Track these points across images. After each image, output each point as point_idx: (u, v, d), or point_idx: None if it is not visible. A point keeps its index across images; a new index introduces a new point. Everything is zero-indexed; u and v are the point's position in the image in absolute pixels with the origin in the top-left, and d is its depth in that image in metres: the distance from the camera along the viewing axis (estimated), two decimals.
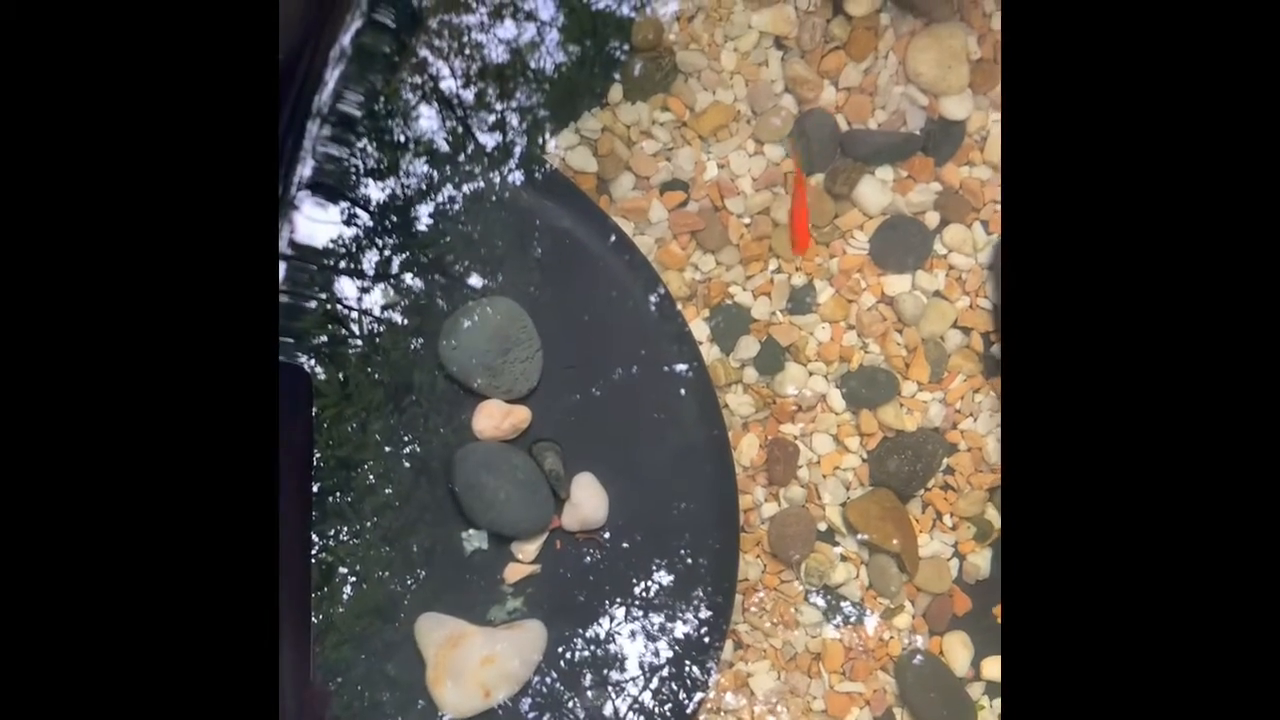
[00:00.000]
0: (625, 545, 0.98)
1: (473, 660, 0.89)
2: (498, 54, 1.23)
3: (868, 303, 1.30)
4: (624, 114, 1.29)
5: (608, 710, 0.94)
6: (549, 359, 1.01)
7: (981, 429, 1.29)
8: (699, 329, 1.29)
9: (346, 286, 1.13)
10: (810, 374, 1.29)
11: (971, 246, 1.31)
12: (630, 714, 0.94)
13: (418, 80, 1.19)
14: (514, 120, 1.23)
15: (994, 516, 1.28)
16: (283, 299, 1.04)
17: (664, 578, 0.98)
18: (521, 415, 0.97)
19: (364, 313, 1.09)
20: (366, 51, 1.10)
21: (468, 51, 1.18)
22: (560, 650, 0.96)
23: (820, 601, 1.26)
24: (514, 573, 0.94)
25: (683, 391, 1.01)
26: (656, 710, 0.94)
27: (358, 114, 1.12)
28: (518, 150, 1.23)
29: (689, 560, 0.98)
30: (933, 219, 1.31)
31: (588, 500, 0.95)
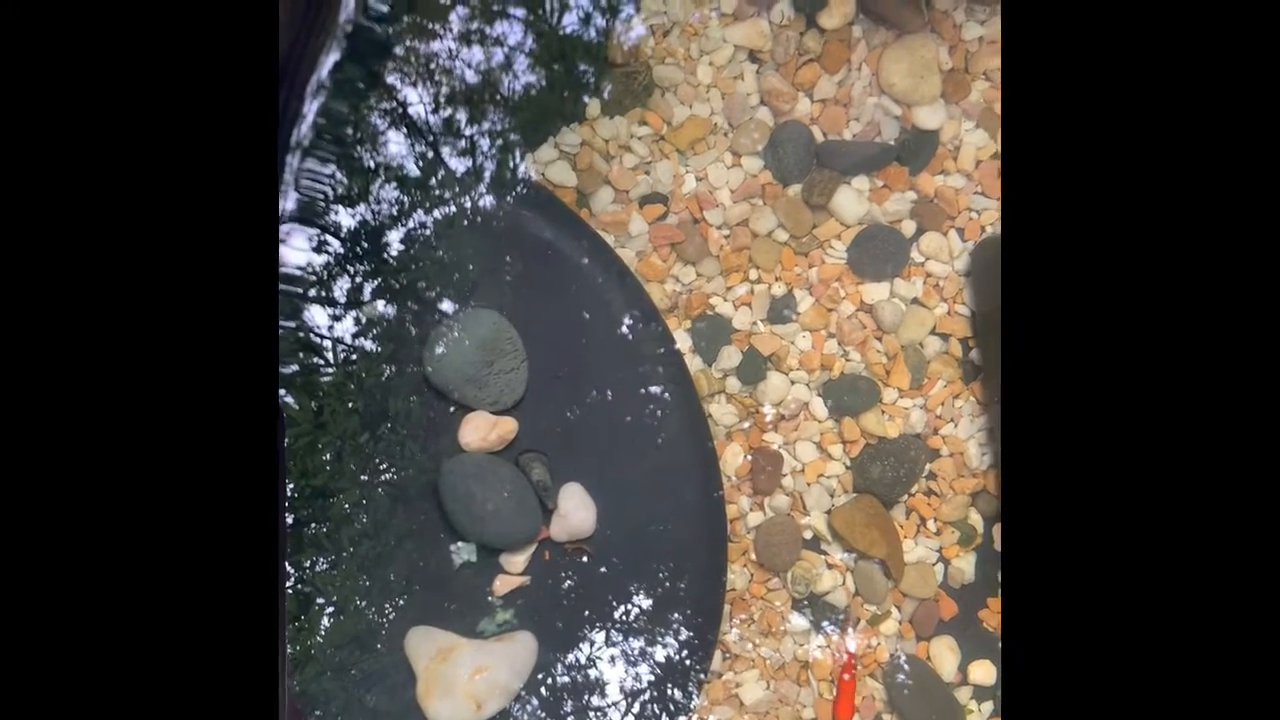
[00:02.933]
0: (614, 556, 0.98)
1: (463, 673, 0.88)
2: (470, 78, 1.23)
3: (847, 311, 1.31)
4: (602, 128, 1.30)
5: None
6: (534, 370, 1.00)
7: (962, 434, 1.30)
8: (681, 340, 1.30)
9: (318, 314, 1.12)
10: (792, 383, 1.30)
11: (948, 254, 1.32)
12: None
13: (387, 106, 1.19)
14: (484, 143, 1.23)
15: (977, 521, 1.29)
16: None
17: (652, 588, 0.98)
18: (508, 426, 0.97)
19: (336, 340, 1.08)
20: (344, 82, 1.10)
21: (438, 77, 1.19)
22: (551, 661, 0.95)
23: (808, 610, 1.26)
24: (503, 585, 0.94)
25: (668, 397, 1.02)
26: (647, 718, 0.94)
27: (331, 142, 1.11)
28: (488, 172, 1.23)
29: (676, 570, 0.98)
30: (909, 227, 1.33)
31: (576, 510, 0.95)
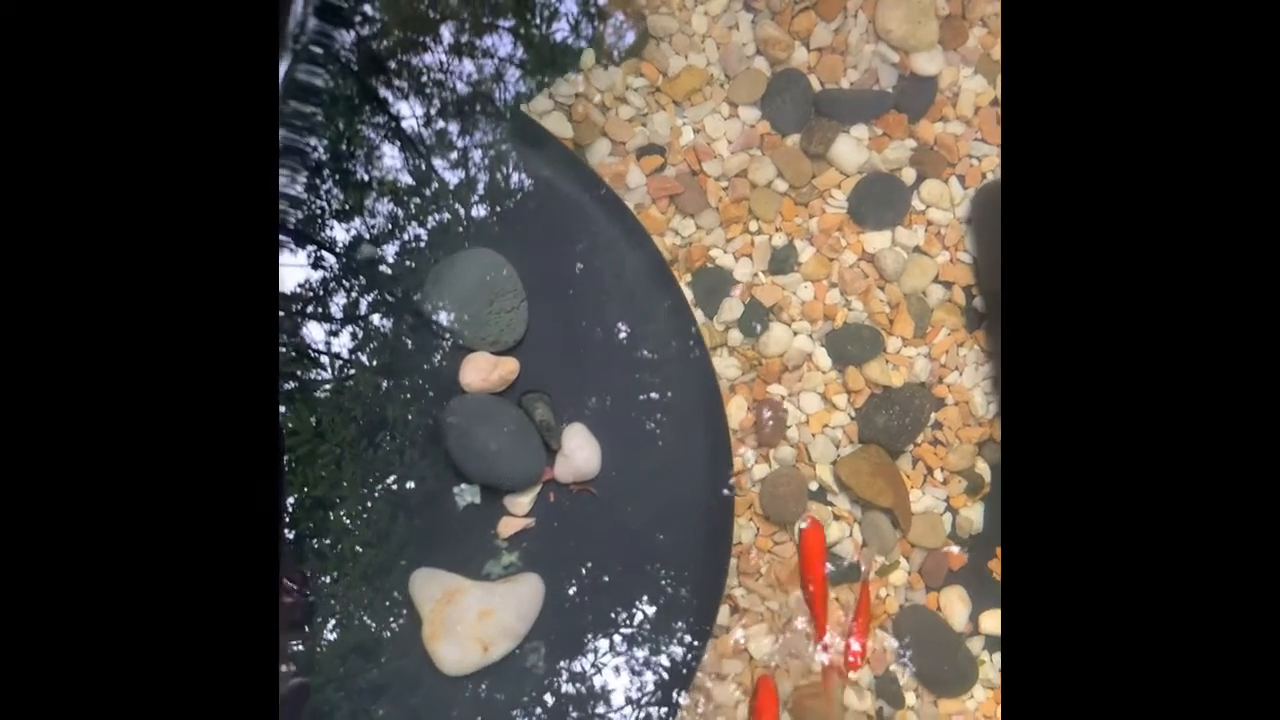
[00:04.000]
0: (619, 498, 0.96)
1: (469, 615, 0.86)
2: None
3: (849, 260, 1.30)
4: (597, 79, 1.28)
5: (609, 664, 0.91)
6: (535, 310, 0.98)
7: (968, 382, 1.28)
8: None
9: (315, 330, 1.10)
10: (795, 333, 1.28)
11: (949, 201, 1.31)
12: (629, 672, 0.91)
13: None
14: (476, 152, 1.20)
15: (985, 470, 1.27)
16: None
17: (659, 529, 0.95)
18: (510, 367, 0.95)
19: (334, 356, 1.05)
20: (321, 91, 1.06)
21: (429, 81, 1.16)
22: (558, 603, 0.93)
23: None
24: (508, 526, 0.92)
25: (673, 343, 0.99)
26: (653, 667, 0.91)
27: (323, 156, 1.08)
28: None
29: (683, 510, 0.95)
30: (909, 175, 1.31)
31: (580, 450, 0.93)
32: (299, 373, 1.01)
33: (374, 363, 1.02)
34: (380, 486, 0.96)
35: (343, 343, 1.05)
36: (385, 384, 0.99)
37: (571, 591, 0.94)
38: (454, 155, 1.16)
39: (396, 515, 0.96)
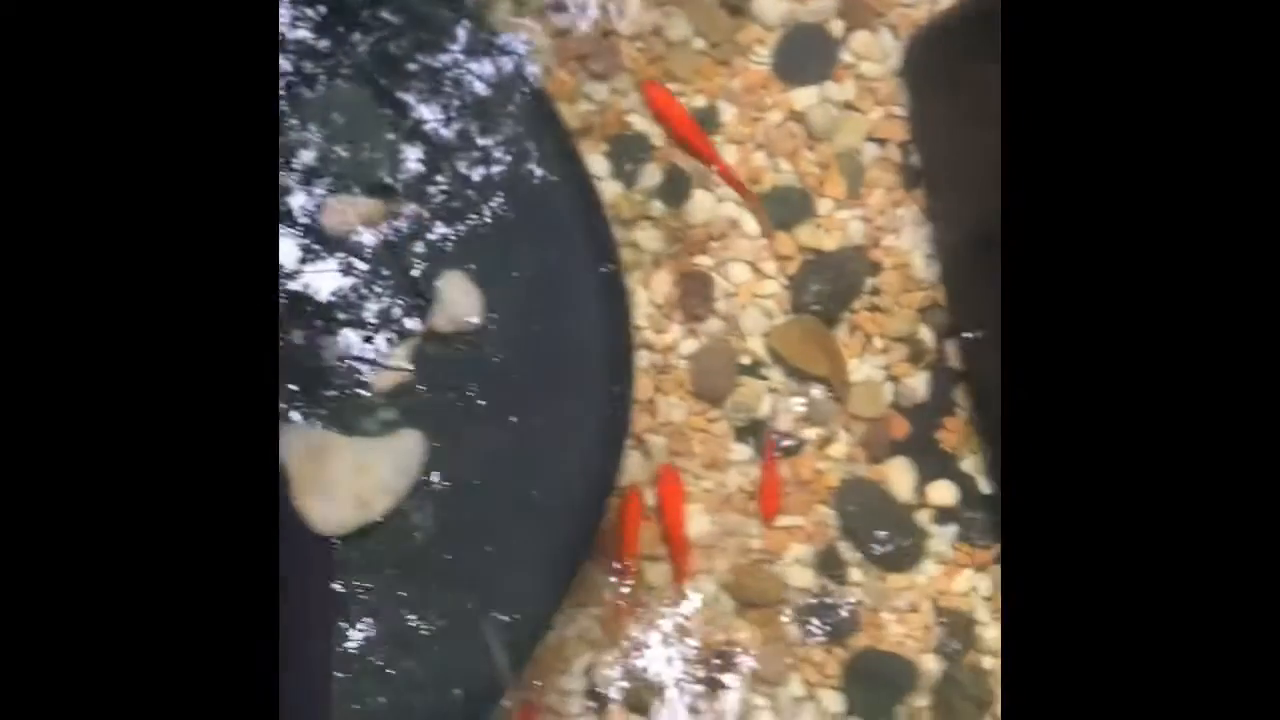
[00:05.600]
0: (503, 352, 0.88)
1: (343, 471, 0.80)
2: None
3: (775, 120, 1.22)
4: None
5: (501, 524, 0.85)
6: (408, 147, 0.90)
7: (905, 244, 1.21)
8: (597, 164, 1.21)
9: None
10: (719, 200, 1.21)
11: (880, 53, 1.23)
12: (524, 535, 0.85)
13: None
14: None
15: (926, 336, 1.20)
16: None
17: (550, 379, 0.88)
18: (374, 208, 0.87)
19: None
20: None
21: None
22: (441, 460, 0.86)
23: (750, 438, 1.18)
24: (383, 379, 0.85)
25: (554, 179, 0.91)
26: (552, 525, 0.85)
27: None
28: None
29: (575, 375, 0.88)
30: (837, 27, 1.23)
31: (458, 300, 0.85)
32: None
33: None
34: None
35: None
36: None
37: (439, 446, 0.87)
38: None
39: None
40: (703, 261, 1.20)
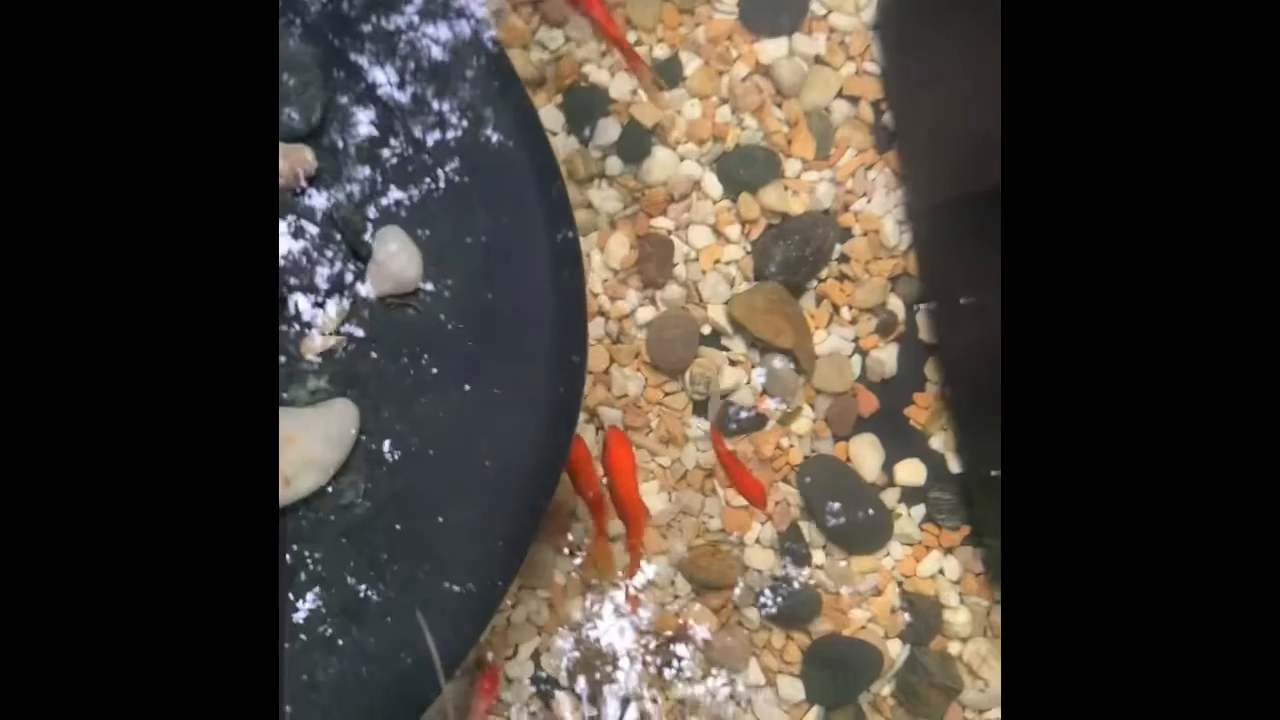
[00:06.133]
0: (444, 314, 0.81)
1: None
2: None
3: (741, 73, 1.14)
4: None
5: (440, 496, 0.78)
6: (340, 94, 0.81)
7: (877, 209, 1.14)
8: (551, 116, 1.13)
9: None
10: (681, 158, 1.13)
11: (854, 5, 1.15)
12: (465, 506, 0.78)
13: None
14: None
15: (897, 307, 1.14)
16: None
17: (497, 348, 0.81)
18: (303, 157, 0.79)
19: None
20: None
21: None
22: (376, 432, 0.79)
23: (709, 412, 1.12)
24: (312, 345, 0.77)
25: (510, 143, 0.84)
26: (496, 498, 0.78)
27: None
28: None
29: (525, 343, 0.81)
30: None
31: (396, 258, 0.78)
32: None
33: None
34: None
35: None
36: None
37: (388, 415, 0.79)
38: None
39: None
40: (662, 224, 1.13)
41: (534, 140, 0.87)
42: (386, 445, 0.82)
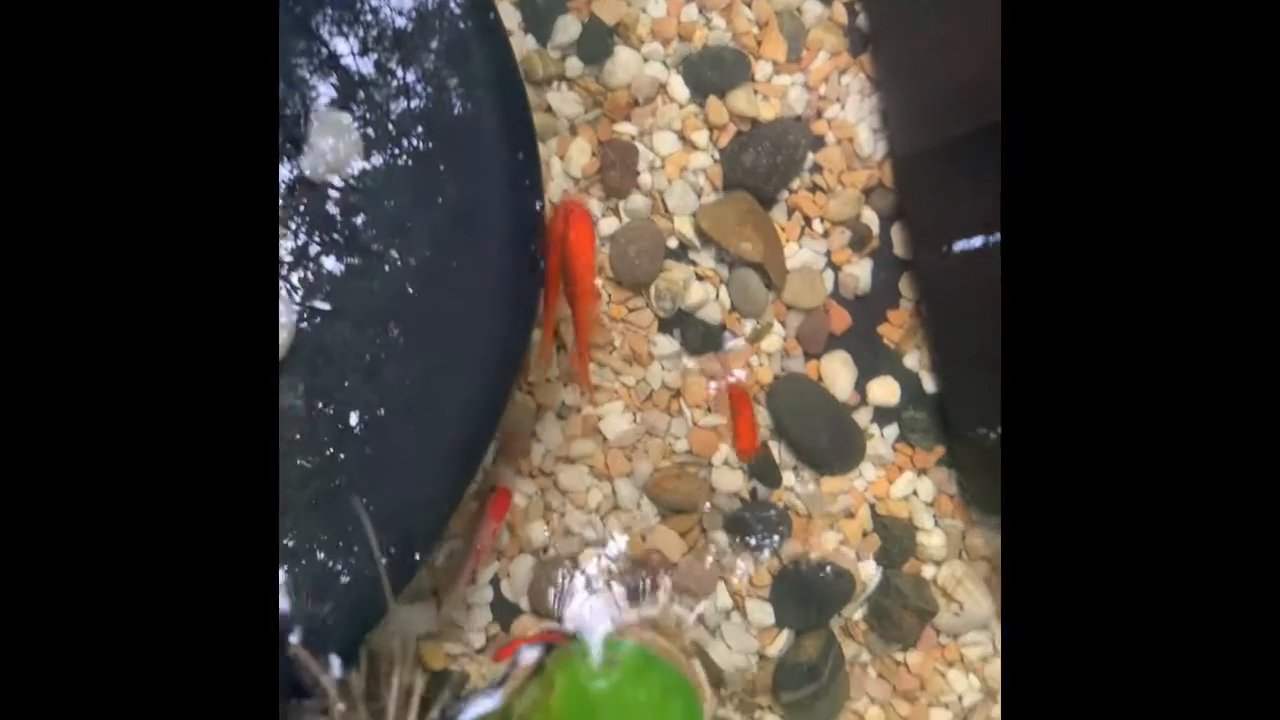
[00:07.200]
0: (390, 200, 0.74)
1: None
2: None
3: None
4: None
5: (386, 402, 0.72)
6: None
7: (851, 116, 1.09)
8: (508, 14, 1.06)
9: None
10: (645, 59, 1.07)
11: None
12: (415, 418, 0.72)
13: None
14: None
15: (872, 219, 1.09)
16: None
17: (443, 241, 0.75)
18: None
19: None
20: None
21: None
22: (318, 335, 0.73)
23: (675, 330, 1.06)
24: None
25: (464, 25, 0.77)
26: (442, 409, 0.72)
27: None
28: None
29: (475, 241, 0.75)
30: None
31: (335, 143, 0.71)
32: None
33: None
34: None
35: None
36: None
37: (327, 311, 0.73)
38: None
39: None
40: (625, 129, 1.06)
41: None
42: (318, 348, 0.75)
